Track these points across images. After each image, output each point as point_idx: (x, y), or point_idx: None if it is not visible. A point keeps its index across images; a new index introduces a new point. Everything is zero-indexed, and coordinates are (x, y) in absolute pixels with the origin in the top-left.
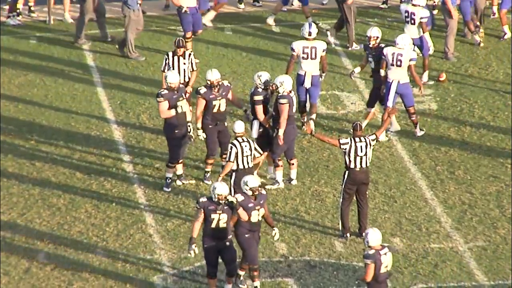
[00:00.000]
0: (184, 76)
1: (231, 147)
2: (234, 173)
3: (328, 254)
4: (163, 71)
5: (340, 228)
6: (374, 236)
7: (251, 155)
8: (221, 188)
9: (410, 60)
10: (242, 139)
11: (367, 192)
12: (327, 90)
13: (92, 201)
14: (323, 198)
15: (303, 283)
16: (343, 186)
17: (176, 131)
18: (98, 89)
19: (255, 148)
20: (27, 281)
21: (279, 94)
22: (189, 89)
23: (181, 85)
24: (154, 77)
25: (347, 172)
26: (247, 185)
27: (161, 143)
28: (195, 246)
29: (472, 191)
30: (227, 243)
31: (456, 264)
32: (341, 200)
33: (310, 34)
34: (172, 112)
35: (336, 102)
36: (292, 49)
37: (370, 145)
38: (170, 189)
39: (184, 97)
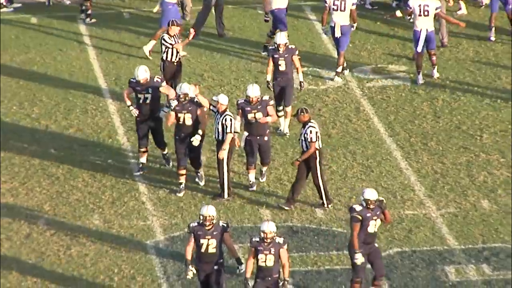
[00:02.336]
0: (177, 55)
1: (230, 119)
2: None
3: (309, 220)
4: (162, 58)
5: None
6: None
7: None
8: (205, 209)
9: (436, 9)
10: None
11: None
12: (308, 67)
13: (89, 171)
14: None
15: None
16: (319, 163)
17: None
18: (94, 67)
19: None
20: (28, 246)
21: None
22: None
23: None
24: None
25: (318, 152)
26: (363, 196)
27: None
28: (192, 267)
29: (444, 161)
30: (216, 267)
31: (429, 229)
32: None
33: None
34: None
35: (316, 78)
36: (325, 1)
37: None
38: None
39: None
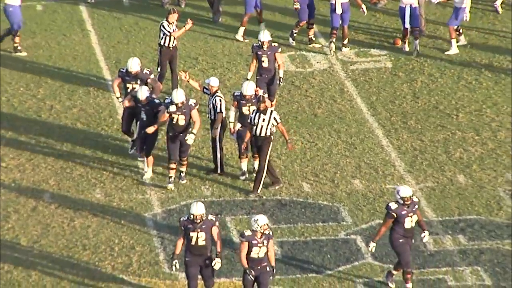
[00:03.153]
0: (173, 41)
1: (220, 100)
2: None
3: (297, 194)
4: (159, 43)
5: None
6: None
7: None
8: (195, 208)
9: None
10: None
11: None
12: (295, 51)
13: (91, 148)
14: (293, 145)
15: (275, 219)
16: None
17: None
18: (96, 51)
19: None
20: (34, 218)
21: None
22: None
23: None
24: (145, 39)
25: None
26: (398, 194)
27: None
28: (176, 262)
29: (422, 139)
30: (207, 260)
31: None
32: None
33: None
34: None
35: (303, 61)
36: None
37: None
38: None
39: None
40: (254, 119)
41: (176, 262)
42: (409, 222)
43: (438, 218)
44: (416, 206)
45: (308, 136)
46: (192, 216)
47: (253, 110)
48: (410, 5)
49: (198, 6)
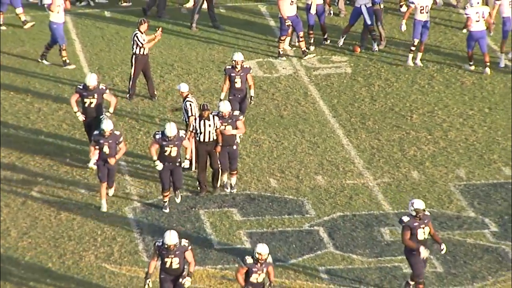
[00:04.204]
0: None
1: (190, 104)
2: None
3: (265, 189)
4: (134, 52)
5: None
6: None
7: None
8: (168, 239)
9: None
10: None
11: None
12: (263, 57)
13: (76, 147)
14: (260, 144)
15: (244, 212)
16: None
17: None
18: (80, 58)
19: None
20: (23, 211)
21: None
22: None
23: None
24: (125, 47)
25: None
26: (412, 206)
27: (130, 101)
28: (149, 281)
29: (379, 138)
30: (181, 279)
31: (367, 196)
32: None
33: None
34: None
35: (270, 68)
36: None
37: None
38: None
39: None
40: (201, 127)
41: (149, 281)
42: (422, 234)
43: (394, 210)
44: (428, 219)
45: (275, 136)
46: (166, 245)
47: (196, 119)
48: (365, 5)
49: (175, 16)
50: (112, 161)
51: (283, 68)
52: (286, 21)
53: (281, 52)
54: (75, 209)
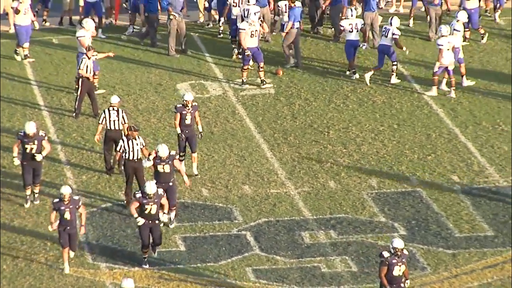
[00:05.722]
0: (91, 71)
1: (104, 112)
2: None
3: (197, 197)
4: (80, 68)
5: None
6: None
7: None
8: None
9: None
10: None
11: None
12: (195, 79)
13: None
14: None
15: (179, 218)
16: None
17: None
18: (31, 81)
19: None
20: None
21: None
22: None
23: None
24: (71, 71)
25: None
26: (392, 245)
27: (76, 120)
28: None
29: (300, 152)
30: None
31: (289, 204)
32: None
33: None
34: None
35: (202, 89)
36: None
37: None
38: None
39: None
40: (128, 146)
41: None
42: (398, 270)
43: (313, 216)
44: (405, 258)
45: (206, 150)
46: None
47: (123, 139)
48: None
49: (116, 43)
50: (82, 231)
51: (213, 89)
52: (246, 51)
53: (244, 80)
54: (27, 217)
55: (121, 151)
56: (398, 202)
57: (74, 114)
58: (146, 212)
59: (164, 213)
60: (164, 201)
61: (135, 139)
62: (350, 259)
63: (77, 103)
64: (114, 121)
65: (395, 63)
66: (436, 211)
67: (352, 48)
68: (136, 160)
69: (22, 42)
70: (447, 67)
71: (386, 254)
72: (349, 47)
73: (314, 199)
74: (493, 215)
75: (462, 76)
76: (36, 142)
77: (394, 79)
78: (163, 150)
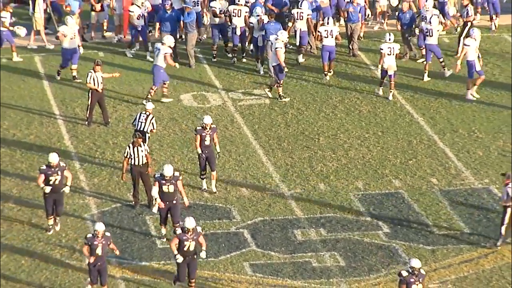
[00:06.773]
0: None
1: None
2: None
3: (199, 198)
4: (87, 82)
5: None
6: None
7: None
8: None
9: (308, 15)
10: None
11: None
12: (197, 91)
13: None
14: (195, 162)
15: (182, 218)
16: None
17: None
18: (47, 92)
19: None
20: (1, 218)
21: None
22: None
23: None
24: (83, 83)
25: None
26: (410, 264)
27: (88, 127)
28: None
29: (293, 156)
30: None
31: (283, 204)
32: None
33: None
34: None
35: (203, 99)
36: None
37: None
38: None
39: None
40: (134, 152)
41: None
42: None
43: (304, 216)
44: (423, 277)
45: None
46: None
47: (129, 146)
48: (300, 29)
49: (124, 58)
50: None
51: (214, 99)
52: (285, 68)
53: (281, 94)
54: (43, 216)
55: (127, 157)
56: (382, 202)
57: (86, 123)
58: (185, 249)
59: (202, 250)
60: (201, 239)
61: (140, 146)
62: (339, 255)
63: (88, 112)
64: (141, 123)
65: (441, 58)
66: (417, 211)
67: (328, 52)
68: (141, 165)
69: (65, 64)
70: (386, 70)
71: (404, 273)
72: (325, 52)
73: (305, 200)
74: (468, 215)
75: (474, 85)
76: (59, 172)
77: (447, 72)
78: (168, 170)
